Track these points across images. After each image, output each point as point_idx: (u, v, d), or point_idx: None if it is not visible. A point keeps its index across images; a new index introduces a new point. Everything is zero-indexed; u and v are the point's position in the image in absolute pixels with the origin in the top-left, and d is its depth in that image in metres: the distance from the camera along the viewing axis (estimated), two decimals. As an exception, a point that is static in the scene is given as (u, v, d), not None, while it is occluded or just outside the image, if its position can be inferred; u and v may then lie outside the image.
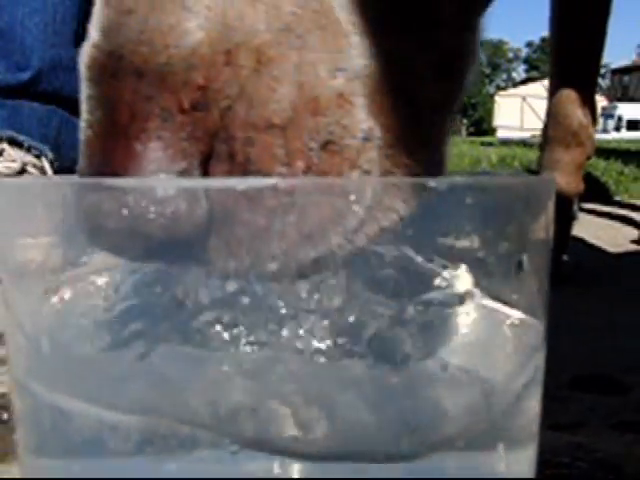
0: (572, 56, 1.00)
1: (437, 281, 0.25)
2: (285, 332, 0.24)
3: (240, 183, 0.22)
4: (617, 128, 27.88)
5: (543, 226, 0.28)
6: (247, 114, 0.24)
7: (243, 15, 0.24)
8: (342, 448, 0.26)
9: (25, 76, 1.37)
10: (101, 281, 0.27)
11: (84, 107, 0.26)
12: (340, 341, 0.25)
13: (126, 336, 0.26)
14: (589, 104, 1.00)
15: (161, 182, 0.22)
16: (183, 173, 0.24)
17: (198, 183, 0.23)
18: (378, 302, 0.26)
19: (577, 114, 0.99)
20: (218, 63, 0.24)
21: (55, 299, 0.27)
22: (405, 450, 0.26)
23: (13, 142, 1.31)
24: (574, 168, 1.02)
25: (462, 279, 0.25)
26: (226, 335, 0.25)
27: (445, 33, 0.27)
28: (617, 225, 1.74)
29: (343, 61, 0.25)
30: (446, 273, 0.26)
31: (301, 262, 0.23)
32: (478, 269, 0.25)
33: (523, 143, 5.52)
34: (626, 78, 39.97)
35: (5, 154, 1.28)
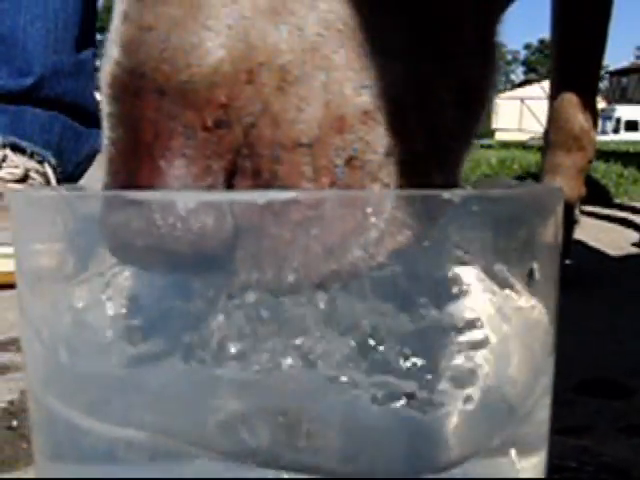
0: (574, 60, 1.01)
1: (451, 291, 0.26)
2: (299, 349, 0.25)
3: (262, 196, 0.22)
4: (615, 130, 27.92)
5: (552, 234, 0.28)
6: (273, 132, 0.24)
7: (265, 35, 0.25)
8: (355, 465, 0.26)
9: (27, 82, 1.37)
10: (117, 288, 0.28)
11: (106, 124, 0.26)
12: (353, 356, 0.25)
13: (141, 349, 0.27)
14: (590, 108, 1.00)
15: (186, 196, 0.23)
16: (208, 190, 0.24)
17: (222, 197, 0.23)
18: (392, 314, 0.26)
19: (578, 118, 1.00)
20: (240, 81, 0.24)
21: (71, 306, 0.28)
22: (421, 468, 0.26)
23: (16, 148, 1.32)
24: (576, 172, 1.02)
25: (475, 288, 0.26)
26: (238, 350, 0.25)
27: (465, 60, 0.28)
28: (618, 228, 1.75)
29: (367, 79, 0.25)
30: (460, 283, 0.26)
31: (322, 274, 0.23)
32: (490, 278, 0.25)
33: (522, 146, 5.53)
34: (624, 80, 40.01)
35: (8, 160, 1.29)
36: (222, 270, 0.23)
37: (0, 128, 1.34)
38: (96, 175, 1.80)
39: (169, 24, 0.25)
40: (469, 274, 0.26)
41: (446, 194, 0.22)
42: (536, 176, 2.64)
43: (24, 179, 1.26)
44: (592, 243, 1.42)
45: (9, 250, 0.96)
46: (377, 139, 0.25)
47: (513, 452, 0.27)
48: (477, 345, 0.27)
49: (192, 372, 0.26)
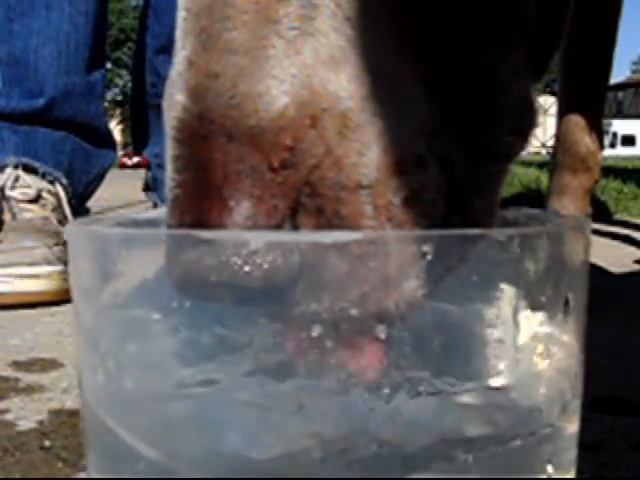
0: (581, 82, 1.03)
1: (488, 317, 0.28)
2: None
3: (327, 237, 0.24)
4: (612, 144, 28.04)
5: (583, 264, 0.31)
6: (336, 174, 0.26)
7: (327, 83, 0.27)
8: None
9: (39, 103, 1.39)
10: (179, 318, 0.29)
11: (171, 167, 0.28)
12: (393, 377, 0.27)
13: (198, 379, 0.28)
14: (596, 130, 1.03)
15: (257, 236, 0.25)
16: (275, 228, 0.26)
17: (291, 236, 0.25)
18: (428, 333, 0.28)
19: (585, 141, 1.02)
20: (304, 126, 0.26)
21: (136, 334, 0.29)
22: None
23: (28, 168, 1.33)
24: (582, 193, 1.05)
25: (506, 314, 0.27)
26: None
27: (509, 105, 0.30)
28: (620, 245, 1.77)
29: (421, 124, 0.27)
30: (493, 311, 0.28)
31: (380, 306, 0.25)
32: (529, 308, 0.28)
33: (521, 161, 5.56)
34: (620, 94, 40.26)
35: (21, 180, 1.30)
36: (286, 303, 0.25)
37: (12, 148, 1.36)
38: (103, 196, 1.81)
39: (236, 72, 0.27)
40: (504, 304, 0.28)
41: (493, 233, 0.24)
42: (537, 193, 2.65)
43: (37, 199, 1.28)
44: (596, 261, 1.43)
45: (26, 270, 0.97)
46: (430, 179, 0.27)
47: (550, 468, 0.29)
48: (509, 362, 0.29)
49: (252, 411, 0.27)
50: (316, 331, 0.24)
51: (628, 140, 28.33)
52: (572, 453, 0.31)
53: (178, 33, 0.29)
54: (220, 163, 0.26)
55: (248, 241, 0.24)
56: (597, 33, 1.03)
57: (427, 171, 0.27)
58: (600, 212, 2.25)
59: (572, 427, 0.31)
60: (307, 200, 0.26)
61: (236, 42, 0.27)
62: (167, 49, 1.63)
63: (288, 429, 0.28)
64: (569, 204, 1.04)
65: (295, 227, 0.26)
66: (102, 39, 1.52)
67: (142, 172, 1.60)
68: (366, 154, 0.26)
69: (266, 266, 0.24)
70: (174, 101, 0.28)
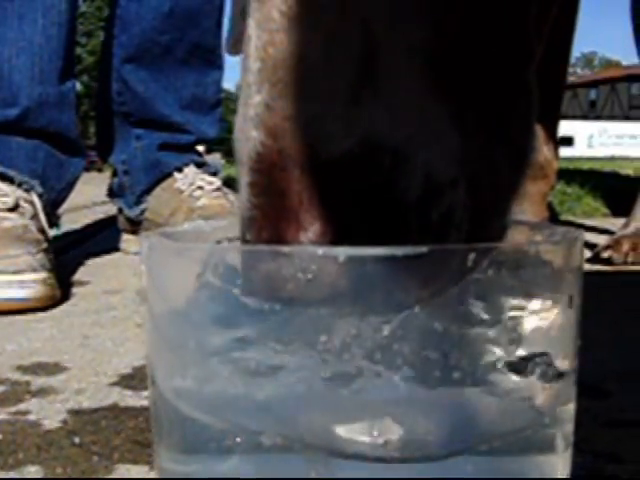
0: (540, 96, 1.12)
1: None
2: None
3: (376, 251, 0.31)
4: (551, 145, 28.71)
5: (579, 267, 0.38)
6: (388, 196, 0.33)
7: (383, 125, 0.33)
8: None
9: (13, 113, 1.41)
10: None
11: (247, 191, 0.34)
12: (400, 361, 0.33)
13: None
14: (553, 140, 1.12)
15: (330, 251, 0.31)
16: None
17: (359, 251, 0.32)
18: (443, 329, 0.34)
19: (543, 150, 1.11)
20: (365, 161, 0.33)
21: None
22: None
23: (4, 177, 1.35)
24: (540, 198, 1.14)
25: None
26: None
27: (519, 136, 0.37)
28: (569, 244, 1.86)
29: (455, 152, 0.34)
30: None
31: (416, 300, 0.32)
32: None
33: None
34: (557, 96, 41.39)
35: (-2, 189, 1.32)
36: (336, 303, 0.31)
37: (-13, 158, 1.38)
38: (73, 203, 1.82)
39: (309, 116, 0.33)
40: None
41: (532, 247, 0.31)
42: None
43: (15, 208, 1.30)
44: (549, 260, 1.52)
45: (11, 278, 1.00)
46: (460, 199, 0.34)
47: (561, 445, 0.36)
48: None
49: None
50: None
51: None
52: (571, 432, 0.38)
53: (253, 78, 0.34)
54: (295, 190, 0.32)
55: (319, 254, 0.30)
56: (553, 49, 1.11)
57: (458, 192, 0.34)
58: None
59: (569, 413, 0.38)
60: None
61: (308, 90, 0.33)
62: (134, 59, 1.66)
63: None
64: (528, 208, 1.12)
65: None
66: (72, 49, 1.54)
67: (83, 176, 1.63)
68: (412, 179, 0.33)
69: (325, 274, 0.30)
70: (251, 137, 0.34)
